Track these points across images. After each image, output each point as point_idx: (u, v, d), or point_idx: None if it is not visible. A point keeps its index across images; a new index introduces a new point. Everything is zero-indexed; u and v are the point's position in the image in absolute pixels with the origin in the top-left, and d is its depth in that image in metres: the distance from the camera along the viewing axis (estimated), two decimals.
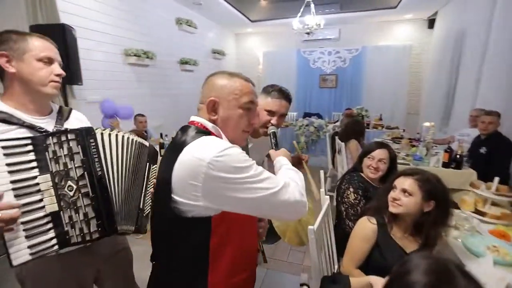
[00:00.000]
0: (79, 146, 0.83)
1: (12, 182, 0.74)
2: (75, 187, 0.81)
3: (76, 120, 1.04)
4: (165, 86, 4.52)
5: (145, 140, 1.08)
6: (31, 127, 0.87)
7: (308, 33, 4.35)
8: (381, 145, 1.61)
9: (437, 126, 4.68)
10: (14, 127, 0.84)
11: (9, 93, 0.88)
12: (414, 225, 1.12)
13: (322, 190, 1.54)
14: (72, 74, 2.52)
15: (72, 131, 0.84)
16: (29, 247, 0.74)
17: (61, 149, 0.81)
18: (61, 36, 2.36)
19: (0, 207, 0.70)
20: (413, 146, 2.90)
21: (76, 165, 0.82)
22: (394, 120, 5.74)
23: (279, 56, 6.78)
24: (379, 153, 1.55)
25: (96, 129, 0.89)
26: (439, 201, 1.08)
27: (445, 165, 2.50)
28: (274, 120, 1.25)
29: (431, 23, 5.57)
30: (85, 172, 0.83)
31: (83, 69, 2.74)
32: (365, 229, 1.16)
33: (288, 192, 0.71)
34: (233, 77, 0.82)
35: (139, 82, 3.97)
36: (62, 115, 0.99)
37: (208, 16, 5.57)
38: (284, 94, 1.31)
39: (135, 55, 3.66)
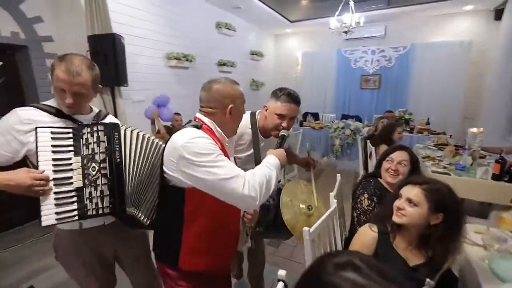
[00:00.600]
0: (105, 136, 1.02)
1: (53, 159, 0.96)
2: (97, 168, 1.00)
3: (110, 121, 1.22)
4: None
5: None
6: (74, 120, 1.08)
7: (346, 32, 4.16)
8: (401, 147, 1.50)
9: (500, 133, 4.07)
10: (61, 119, 1.05)
11: None
12: (420, 237, 1.02)
13: (332, 193, 1.50)
14: (119, 76, 2.87)
15: (102, 124, 1.05)
16: (56, 213, 0.94)
17: (91, 137, 1.01)
18: (112, 44, 2.71)
19: (38, 177, 0.91)
20: (458, 154, 2.59)
21: (100, 151, 1.01)
22: (447, 125, 5.15)
23: (318, 56, 6.62)
24: (399, 155, 1.45)
25: (122, 125, 1.09)
26: (448, 214, 0.97)
27: (496, 177, 2.18)
28: (284, 123, 1.32)
29: (498, 14, 4.85)
30: (107, 158, 1.01)
31: (130, 72, 3.09)
32: (365, 236, 1.10)
33: (238, 183, 0.82)
34: (234, 85, 1.03)
35: (179, 84, 4.29)
36: (99, 116, 1.18)
37: (248, 18, 5.71)
38: (292, 98, 1.34)
39: (175, 58, 3.97)
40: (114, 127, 1.05)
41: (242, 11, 5.16)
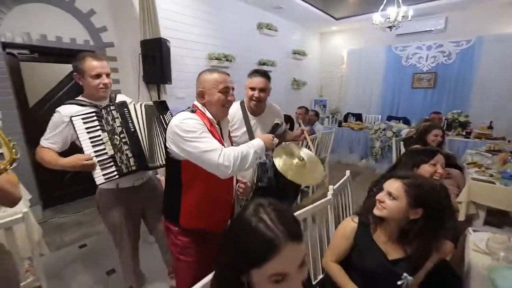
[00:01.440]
0: (118, 113, 1.35)
1: (90, 138, 1.31)
2: (119, 138, 1.33)
3: (121, 99, 1.55)
4: (242, 85, 5.02)
5: None
6: (95, 106, 1.39)
7: (390, 27, 3.89)
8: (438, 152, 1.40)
9: None
10: (87, 107, 1.38)
11: (84, 92, 1.44)
12: (400, 232, 1.01)
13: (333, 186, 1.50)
14: (164, 75, 3.27)
15: (113, 104, 1.37)
16: (103, 175, 1.30)
17: (108, 116, 1.34)
18: (159, 47, 3.11)
19: (85, 158, 1.26)
20: (510, 162, 2.25)
21: (117, 125, 1.34)
22: None
23: (366, 53, 6.27)
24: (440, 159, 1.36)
25: (131, 102, 1.43)
26: (428, 210, 0.95)
27: None
28: (256, 93, 1.64)
29: None
30: (123, 129, 1.34)
31: (175, 71, 3.49)
32: (346, 227, 1.12)
33: (214, 154, 1.00)
34: (212, 72, 1.16)
35: None
36: (111, 98, 1.52)
37: (291, 18, 5.75)
38: (257, 72, 1.67)
39: (216, 59, 4.28)
40: (123, 105, 1.38)
41: (283, 11, 5.24)
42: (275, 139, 1.22)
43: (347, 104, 6.67)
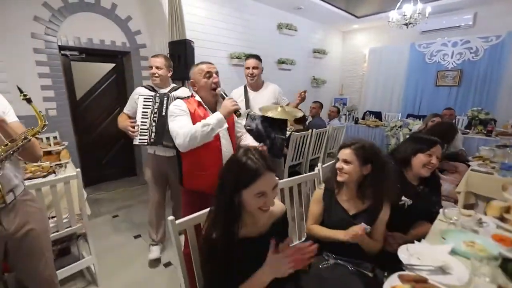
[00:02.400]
0: (159, 100, 1.83)
1: (142, 112, 1.83)
2: (153, 117, 1.82)
3: (180, 91, 2.04)
4: None
5: None
6: (155, 91, 1.91)
7: (406, 25, 3.91)
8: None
9: None
10: (150, 91, 1.92)
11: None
12: (358, 188, 1.23)
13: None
14: (188, 73, 3.64)
15: (160, 93, 1.87)
16: (139, 140, 1.81)
17: (155, 100, 1.84)
18: (184, 47, 3.48)
19: (133, 125, 1.81)
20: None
21: (156, 108, 1.83)
22: None
23: (388, 51, 6.21)
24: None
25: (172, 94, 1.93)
26: (374, 164, 1.19)
27: None
28: (250, 70, 2.24)
29: None
30: (158, 111, 1.82)
31: None
32: (316, 194, 1.35)
33: (174, 135, 1.35)
34: (198, 64, 1.50)
35: (239, 79, 4.90)
36: (172, 88, 2.02)
37: (312, 18, 5.90)
38: (250, 55, 2.29)
39: (236, 57, 4.60)
40: (165, 95, 1.88)
41: (303, 11, 5.42)
42: (231, 100, 1.38)
43: (367, 102, 6.65)
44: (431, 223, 1.32)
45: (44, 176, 1.84)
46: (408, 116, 5.38)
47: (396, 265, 1.00)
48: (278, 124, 2.11)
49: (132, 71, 3.60)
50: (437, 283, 0.86)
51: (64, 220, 1.61)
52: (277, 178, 0.90)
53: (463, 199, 2.18)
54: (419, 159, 1.41)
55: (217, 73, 1.48)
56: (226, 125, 1.37)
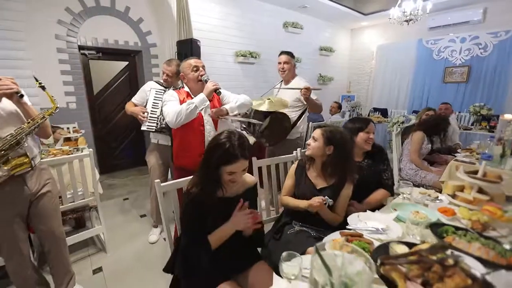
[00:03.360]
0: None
1: (152, 102, 2.09)
2: None
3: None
4: (266, 80, 5.46)
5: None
6: (165, 87, 2.17)
7: (407, 21, 3.95)
8: (368, 120, 1.70)
9: None
10: (161, 87, 2.17)
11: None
12: (322, 166, 1.40)
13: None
14: None
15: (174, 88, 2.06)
16: (147, 126, 2.07)
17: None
18: (190, 46, 3.73)
19: (143, 111, 2.09)
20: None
21: None
22: None
23: (395, 48, 6.20)
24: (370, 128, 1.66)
25: None
26: (336, 146, 1.36)
27: None
28: (281, 65, 2.46)
29: None
30: None
31: (206, 67, 4.09)
32: (290, 170, 1.54)
33: (165, 115, 1.60)
34: (186, 60, 1.70)
35: (244, 76, 5.13)
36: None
37: (317, 16, 6.00)
38: (282, 52, 2.50)
39: (242, 55, 4.81)
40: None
41: (308, 9, 5.54)
42: (212, 82, 1.62)
43: (374, 99, 6.67)
44: (384, 188, 1.55)
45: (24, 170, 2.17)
46: (413, 112, 5.37)
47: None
48: (264, 115, 2.29)
49: (143, 69, 3.91)
50: (369, 238, 1.03)
51: (79, 193, 1.89)
52: (247, 163, 1.08)
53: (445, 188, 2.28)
54: (360, 136, 1.63)
55: (203, 67, 1.70)
56: (208, 103, 1.60)
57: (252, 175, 1.32)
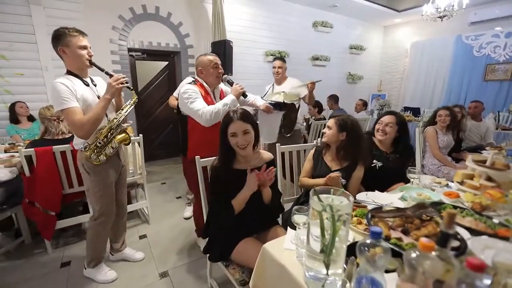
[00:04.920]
0: None
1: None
2: None
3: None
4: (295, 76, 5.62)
5: None
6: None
7: (441, 18, 3.85)
8: (390, 112, 1.86)
9: None
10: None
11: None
12: (337, 150, 1.58)
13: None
14: (226, 68, 4.20)
15: None
16: None
17: None
18: (223, 47, 4.05)
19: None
20: None
21: None
22: None
23: (431, 45, 5.97)
24: (386, 119, 1.82)
25: None
26: (348, 132, 1.53)
27: None
28: (276, 70, 2.69)
29: None
30: None
31: (237, 66, 4.40)
32: (309, 154, 1.73)
33: (198, 113, 1.65)
34: (206, 55, 1.80)
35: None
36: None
37: (348, 14, 5.99)
38: (276, 58, 2.76)
39: (271, 55, 5.03)
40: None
41: (339, 8, 5.58)
42: (239, 85, 1.80)
43: (406, 98, 6.47)
44: (405, 183, 1.64)
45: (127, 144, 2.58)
46: None
47: None
48: (280, 106, 2.48)
49: (181, 68, 4.32)
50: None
51: (131, 171, 2.27)
52: (244, 124, 1.27)
53: None
54: (376, 128, 1.85)
55: (221, 64, 1.84)
56: (238, 104, 1.80)
57: (275, 158, 1.54)
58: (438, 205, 1.20)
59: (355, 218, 1.09)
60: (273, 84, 2.86)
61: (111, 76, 1.52)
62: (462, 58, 5.47)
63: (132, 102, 1.63)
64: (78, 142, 1.51)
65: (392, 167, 1.76)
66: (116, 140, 1.54)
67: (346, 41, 6.32)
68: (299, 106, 2.64)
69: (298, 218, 0.97)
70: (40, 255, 2.03)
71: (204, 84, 1.80)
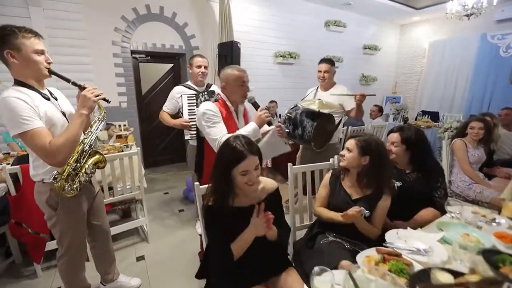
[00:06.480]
0: (207, 96, 2.08)
1: (188, 109, 2.12)
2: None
3: (213, 88, 2.31)
4: (306, 81, 5.33)
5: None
6: (195, 90, 2.20)
7: (468, 16, 3.53)
8: (397, 129, 1.60)
9: None
10: (190, 90, 2.22)
11: (191, 78, 2.37)
12: (358, 177, 1.34)
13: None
14: None
15: (206, 91, 2.15)
16: (190, 135, 2.21)
17: (202, 98, 2.11)
18: (230, 48, 3.83)
19: (184, 121, 2.17)
20: None
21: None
22: None
23: (452, 44, 5.60)
24: (391, 137, 1.58)
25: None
26: (373, 157, 1.29)
27: None
28: (321, 74, 2.36)
29: None
30: None
31: (245, 68, 4.05)
32: (324, 179, 1.49)
33: (215, 142, 1.45)
34: (233, 70, 1.55)
35: (283, 77, 5.10)
36: (207, 86, 2.30)
37: (362, 12, 5.68)
38: (323, 60, 2.41)
39: (281, 56, 4.80)
40: (212, 92, 2.15)
41: (353, 7, 5.28)
42: (264, 112, 1.53)
43: (423, 101, 6.12)
44: (436, 208, 1.42)
45: (102, 167, 2.40)
46: (471, 117, 4.79)
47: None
48: (313, 115, 2.10)
49: (186, 70, 4.11)
50: (408, 259, 0.96)
51: (128, 187, 2.08)
52: (257, 159, 1.06)
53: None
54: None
55: (248, 81, 1.60)
56: (260, 135, 1.57)
57: (287, 180, 1.31)
58: (493, 255, 0.96)
59: (388, 277, 0.86)
60: (317, 88, 2.53)
61: (80, 87, 1.23)
62: (487, 59, 5.09)
63: (101, 117, 1.31)
64: (40, 172, 1.22)
65: (413, 188, 1.51)
66: (89, 165, 1.27)
67: (360, 41, 6.01)
68: (340, 121, 2.36)
69: (319, 284, 0.74)
70: (29, 278, 1.88)
71: (227, 102, 1.58)
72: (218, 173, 1.09)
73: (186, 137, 2.14)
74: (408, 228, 1.19)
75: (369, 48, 6.08)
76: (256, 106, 1.60)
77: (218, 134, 1.46)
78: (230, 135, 1.42)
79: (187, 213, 2.82)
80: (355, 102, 2.19)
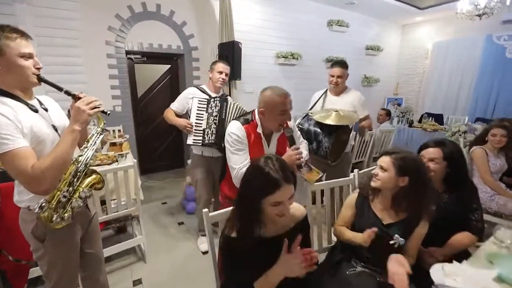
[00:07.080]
0: (219, 104, 1.89)
1: (196, 113, 1.91)
2: (212, 119, 1.88)
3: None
4: (308, 82, 5.17)
5: None
6: (208, 95, 2.01)
7: (480, 16, 3.39)
8: (436, 143, 1.42)
9: None
10: (204, 94, 2.03)
11: (209, 82, 2.18)
12: (393, 199, 1.17)
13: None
14: (234, 72, 3.80)
15: (218, 97, 1.94)
16: (193, 140, 1.90)
17: (213, 104, 1.91)
18: (231, 48, 3.64)
19: (189, 123, 1.95)
20: None
21: (215, 111, 1.88)
22: None
23: (456, 45, 5.47)
24: (429, 152, 1.39)
25: (231, 101, 1.99)
26: (412, 177, 1.11)
27: None
28: (334, 79, 2.20)
29: None
30: (218, 114, 1.87)
31: (246, 69, 3.98)
32: (349, 199, 1.31)
33: (233, 171, 1.38)
34: (276, 94, 1.36)
35: (286, 78, 4.92)
36: (222, 94, 2.12)
37: (365, 12, 5.53)
38: (336, 63, 2.25)
39: (283, 57, 4.61)
40: (225, 99, 1.95)
41: (356, 6, 5.13)
42: (297, 153, 1.34)
43: (426, 103, 6.00)
44: (471, 232, 1.29)
45: (110, 164, 2.18)
46: (477, 120, 4.69)
47: (432, 284, 0.94)
48: (329, 129, 1.98)
49: (184, 71, 3.92)
50: None
51: (122, 203, 1.88)
52: (292, 188, 0.90)
53: None
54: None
55: (291, 108, 1.41)
56: None
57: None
58: None
59: None
60: (325, 92, 2.34)
61: (75, 97, 1.03)
62: (493, 60, 4.97)
63: (100, 129, 1.12)
64: (25, 199, 1.02)
65: (447, 210, 1.34)
66: (84, 187, 1.06)
67: (362, 41, 5.85)
68: (352, 128, 2.19)
69: None
70: None
71: (259, 127, 1.41)
72: (245, 201, 0.92)
73: (189, 142, 1.97)
74: (454, 262, 1.02)
75: (372, 49, 5.93)
76: (291, 141, 1.41)
77: (238, 163, 1.35)
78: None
79: (188, 226, 2.63)
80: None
